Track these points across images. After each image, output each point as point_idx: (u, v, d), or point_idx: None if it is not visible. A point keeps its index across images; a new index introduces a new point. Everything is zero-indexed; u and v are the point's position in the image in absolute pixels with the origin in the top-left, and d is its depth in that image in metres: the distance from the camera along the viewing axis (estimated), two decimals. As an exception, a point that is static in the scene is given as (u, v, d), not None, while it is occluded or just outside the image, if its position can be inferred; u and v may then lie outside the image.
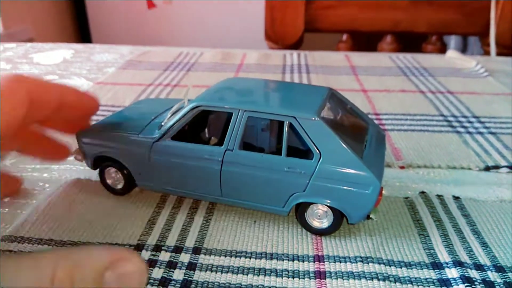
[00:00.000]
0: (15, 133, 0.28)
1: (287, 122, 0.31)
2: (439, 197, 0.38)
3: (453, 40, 1.62)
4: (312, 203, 0.32)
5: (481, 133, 0.50)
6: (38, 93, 0.30)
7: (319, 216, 0.32)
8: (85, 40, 2.04)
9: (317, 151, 0.31)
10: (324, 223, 0.32)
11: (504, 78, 0.71)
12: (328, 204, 0.31)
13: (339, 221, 0.32)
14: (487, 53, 1.02)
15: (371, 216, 0.31)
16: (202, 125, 0.40)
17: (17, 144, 0.35)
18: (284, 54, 0.85)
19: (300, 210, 0.33)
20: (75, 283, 0.21)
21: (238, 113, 0.32)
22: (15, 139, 0.33)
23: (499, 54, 0.97)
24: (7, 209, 0.36)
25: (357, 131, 0.35)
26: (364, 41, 1.14)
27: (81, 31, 2.09)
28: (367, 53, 0.86)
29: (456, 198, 0.38)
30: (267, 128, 0.39)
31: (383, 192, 0.31)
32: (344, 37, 1.09)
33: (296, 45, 1.05)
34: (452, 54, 0.84)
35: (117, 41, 1.82)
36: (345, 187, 0.30)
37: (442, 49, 1.06)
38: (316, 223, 0.33)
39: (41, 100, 0.30)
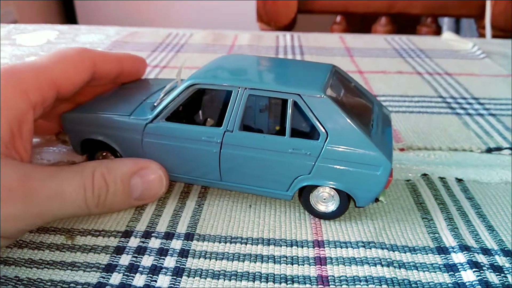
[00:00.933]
0: (72, 94, 0.34)
1: (291, 100, 0.29)
2: (442, 179, 0.36)
3: (445, 24, 1.60)
4: (318, 186, 0.30)
5: (481, 115, 0.49)
6: (101, 63, 0.35)
7: (324, 199, 0.31)
8: (71, 21, 1.98)
9: (324, 130, 0.29)
10: (330, 207, 0.31)
11: (501, 60, 0.69)
12: (335, 187, 0.29)
13: (346, 204, 0.30)
14: (482, 35, 1.00)
15: (380, 198, 0.30)
16: (196, 106, 0.38)
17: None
18: (277, 35, 0.83)
19: (305, 193, 0.31)
20: (108, 183, 0.28)
21: (238, 91, 0.30)
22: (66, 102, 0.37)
23: (494, 36, 0.96)
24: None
25: (363, 110, 0.33)
26: (358, 23, 1.12)
27: (66, 11, 2.03)
28: (361, 35, 0.84)
29: (459, 180, 0.36)
30: (266, 107, 0.36)
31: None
32: (338, 18, 1.06)
33: (289, 27, 1.02)
34: (448, 35, 0.82)
35: (103, 22, 1.77)
36: (354, 169, 0.28)
37: (437, 31, 1.04)
38: (321, 207, 0.31)
39: (104, 68, 0.36)
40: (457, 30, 1.42)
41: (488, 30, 0.95)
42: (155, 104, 0.33)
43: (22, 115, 0.28)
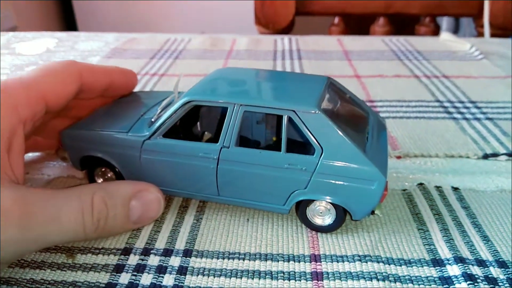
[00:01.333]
0: (62, 108, 0.33)
1: (286, 116, 0.30)
2: (438, 188, 0.37)
3: (445, 22, 1.60)
4: (314, 200, 0.30)
5: (478, 119, 0.49)
6: (88, 75, 0.35)
7: (321, 213, 0.31)
8: (71, 26, 1.98)
9: (319, 146, 0.29)
10: (326, 220, 0.31)
11: (499, 61, 0.69)
12: (331, 201, 0.30)
13: (342, 217, 0.31)
14: (480, 34, 1.00)
15: (376, 211, 0.30)
16: (193, 119, 0.38)
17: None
18: (275, 39, 0.83)
19: (301, 207, 0.31)
20: (109, 207, 0.28)
21: (234, 107, 0.30)
22: (57, 116, 0.37)
23: (493, 35, 0.95)
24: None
25: (358, 122, 0.33)
26: (357, 24, 1.12)
27: (66, 18, 2.04)
28: (359, 37, 0.84)
29: (455, 189, 0.37)
30: (262, 120, 0.37)
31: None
32: (336, 20, 1.06)
33: (287, 29, 1.02)
34: (446, 36, 0.82)
35: (103, 27, 1.77)
36: (349, 183, 0.29)
37: (436, 31, 1.04)
38: (318, 221, 0.31)
39: (92, 81, 0.36)
40: (455, 29, 1.42)
41: (486, 29, 0.95)
42: (153, 120, 0.33)
43: (13, 131, 0.28)
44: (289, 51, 0.75)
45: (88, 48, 0.79)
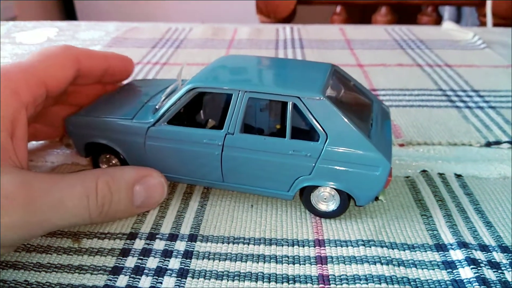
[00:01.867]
0: (62, 92, 0.34)
1: (291, 102, 0.30)
2: (441, 175, 0.37)
3: (447, 11, 1.59)
4: (319, 186, 0.31)
5: (481, 108, 0.49)
6: (85, 60, 0.35)
7: (325, 199, 0.31)
8: (71, 15, 1.97)
9: (323, 132, 0.29)
10: (331, 206, 0.31)
11: (502, 50, 0.69)
12: (335, 187, 0.30)
13: (346, 203, 0.31)
14: (483, 24, 1.00)
15: (379, 197, 0.30)
16: (197, 106, 0.38)
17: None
18: (277, 28, 0.82)
19: (305, 193, 0.31)
20: (113, 192, 0.29)
21: (238, 94, 0.30)
22: (56, 101, 0.37)
23: (495, 24, 0.95)
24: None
25: (362, 109, 0.33)
26: (358, 13, 1.11)
27: (65, 6, 2.02)
28: (362, 26, 0.84)
29: (458, 176, 0.37)
30: (266, 107, 0.37)
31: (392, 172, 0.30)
32: (338, 9, 1.06)
33: (289, 19, 1.02)
34: (448, 25, 0.82)
35: (103, 17, 1.76)
36: (353, 169, 0.29)
37: (438, 20, 1.04)
38: (322, 206, 0.31)
39: (89, 65, 0.36)
40: (458, 18, 1.41)
41: (489, 18, 0.95)
42: (157, 107, 0.34)
43: (16, 115, 0.28)
44: (291, 40, 0.75)
45: (89, 37, 0.78)
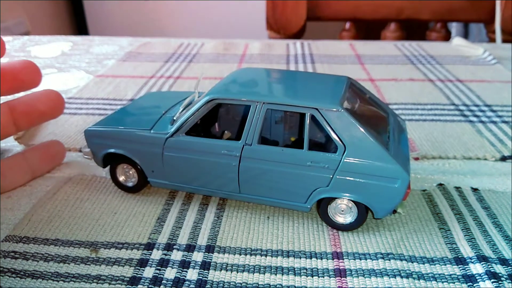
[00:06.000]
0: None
1: (309, 114, 0.30)
2: (458, 189, 0.37)
3: (454, 28, 1.60)
4: (336, 198, 0.31)
5: (494, 122, 0.49)
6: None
7: (342, 211, 0.31)
8: (82, 32, 2.00)
9: (341, 143, 0.29)
10: (348, 218, 0.31)
11: (513, 65, 0.69)
12: (353, 199, 0.30)
13: (364, 216, 0.31)
14: (492, 40, 1.00)
15: (398, 210, 0.30)
16: (212, 119, 0.39)
17: None
18: (287, 43, 0.83)
19: (323, 205, 0.31)
20: None
21: (256, 106, 0.31)
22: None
23: (504, 41, 0.95)
24: (9, 207, 0.35)
25: (379, 121, 0.33)
26: (367, 29, 1.12)
27: (77, 23, 2.06)
28: (371, 41, 0.85)
29: (475, 189, 0.37)
30: (281, 119, 0.37)
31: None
32: (347, 25, 1.07)
33: (298, 35, 1.03)
34: (458, 41, 0.82)
35: (114, 33, 1.79)
36: (372, 181, 0.29)
37: (447, 37, 1.04)
38: (339, 219, 0.31)
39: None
40: (466, 35, 1.42)
41: (498, 35, 0.95)
42: (175, 118, 0.34)
43: None
44: (301, 55, 0.75)
45: (103, 51, 0.79)
